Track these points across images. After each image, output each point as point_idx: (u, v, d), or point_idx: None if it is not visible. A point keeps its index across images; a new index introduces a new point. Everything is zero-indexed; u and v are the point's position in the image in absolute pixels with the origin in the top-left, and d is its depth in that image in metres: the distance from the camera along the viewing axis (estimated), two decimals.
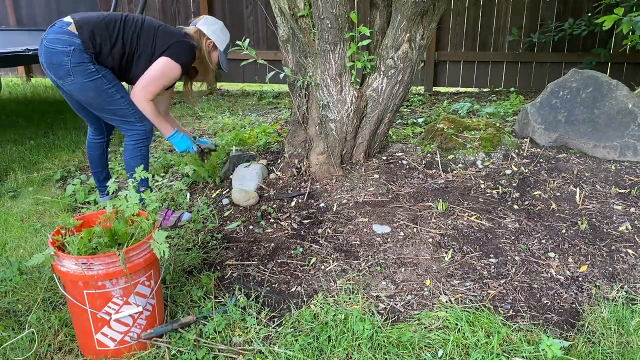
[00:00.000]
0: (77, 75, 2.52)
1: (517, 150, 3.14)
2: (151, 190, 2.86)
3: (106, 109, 2.65)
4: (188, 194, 3.17)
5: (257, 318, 1.99)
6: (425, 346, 1.81)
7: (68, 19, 2.57)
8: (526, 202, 2.66)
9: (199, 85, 3.03)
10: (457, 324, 1.88)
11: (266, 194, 2.97)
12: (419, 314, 1.98)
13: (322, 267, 2.30)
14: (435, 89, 6.33)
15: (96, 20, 2.56)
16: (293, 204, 2.84)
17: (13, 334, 1.98)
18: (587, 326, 1.88)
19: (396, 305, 2.04)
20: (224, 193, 3.09)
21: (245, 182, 3.02)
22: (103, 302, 1.77)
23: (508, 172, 2.92)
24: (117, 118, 2.68)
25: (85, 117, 2.87)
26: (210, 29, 2.75)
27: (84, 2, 5.83)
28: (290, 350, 1.81)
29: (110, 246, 1.83)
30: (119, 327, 1.82)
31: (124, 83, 2.74)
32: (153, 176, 3.46)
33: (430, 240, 2.42)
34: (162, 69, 2.60)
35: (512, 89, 5.92)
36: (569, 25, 5.17)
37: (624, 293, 2.03)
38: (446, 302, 2.03)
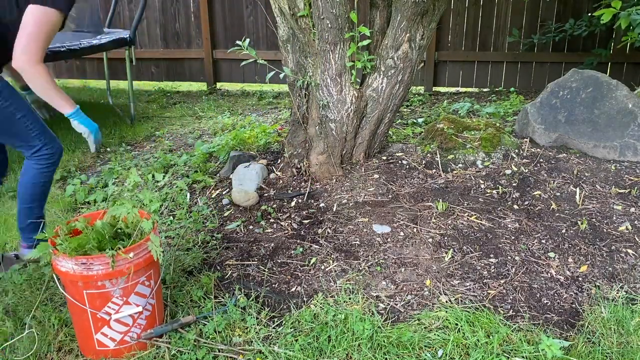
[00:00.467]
0: None
1: (517, 150, 3.14)
2: (42, 230, 2.42)
3: (7, 132, 2.22)
4: (188, 194, 3.17)
5: (257, 318, 1.99)
6: (425, 346, 1.81)
7: None
8: (526, 202, 2.66)
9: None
10: (457, 324, 1.88)
11: (266, 194, 2.97)
12: (419, 314, 1.98)
13: (322, 267, 2.30)
14: (435, 89, 6.32)
15: None
16: (293, 204, 2.84)
17: (13, 334, 1.98)
18: (587, 326, 1.88)
19: (396, 305, 2.04)
20: (224, 193, 3.09)
21: (245, 182, 3.02)
22: (103, 302, 1.77)
23: (508, 172, 2.92)
24: (20, 142, 2.25)
25: None
26: None
27: (84, 1, 5.82)
28: (290, 350, 1.81)
29: (102, 249, 1.81)
30: (118, 327, 1.82)
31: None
32: (153, 176, 3.46)
33: (430, 240, 2.42)
34: (36, 20, 2.02)
35: (512, 89, 5.92)
36: (570, 26, 5.16)
37: (624, 293, 2.03)
38: (446, 302, 2.03)
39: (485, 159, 3.05)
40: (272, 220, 2.73)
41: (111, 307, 1.78)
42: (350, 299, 2.07)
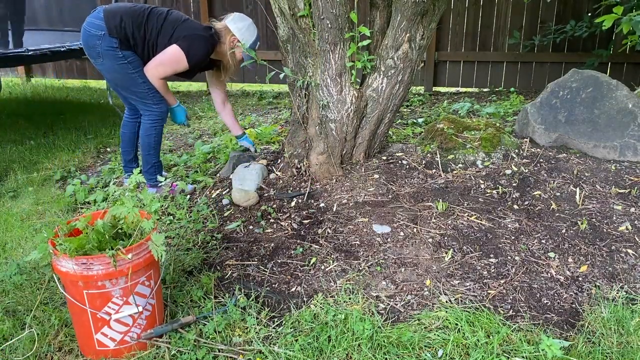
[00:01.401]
0: (106, 58, 2.87)
1: (517, 150, 3.14)
2: (161, 172, 3.26)
3: (129, 89, 2.99)
4: (188, 194, 3.17)
5: (257, 318, 1.99)
6: (425, 346, 1.81)
7: (107, 6, 2.94)
8: (526, 202, 2.66)
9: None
10: (457, 324, 1.88)
11: (266, 194, 2.97)
12: (419, 314, 1.98)
13: (322, 267, 2.30)
14: (435, 89, 6.32)
15: (124, 9, 2.88)
16: (293, 204, 2.84)
17: (13, 334, 1.98)
18: (587, 326, 1.88)
19: (396, 305, 2.04)
20: (224, 193, 3.09)
21: (245, 182, 3.02)
22: (103, 302, 1.77)
23: (508, 172, 2.92)
24: (138, 99, 3.02)
25: (120, 96, 3.19)
26: (236, 25, 2.95)
27: (84, 1, 5.83)
28: (290, 350, 1.81)
29: (102, 249, 1.81)
30: (118, 327, 1.82)
31: None
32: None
33: (430, 240, 2.42)
34: (169, 55, 2.89)
35: (512, 89, 5.92)
36: (571, 27, 5.16)
37: (624, 293, 2.03)
38: (446, 302, 2.03)
39: (485, 159, 3.05)
40: (272, 220, 2.73)
41: (111, 307, 1.78)
42: (350, 299, 2.07)
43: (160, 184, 3.11)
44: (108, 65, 2.91)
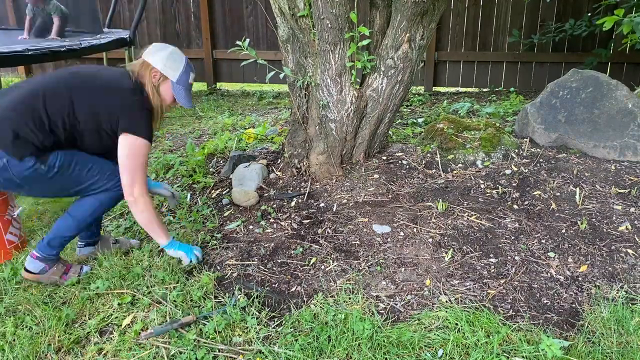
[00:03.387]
0: (30, 183, 2.07)
1: (517, 150, 3.14)
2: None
3: (79, 190, 2.19)
4: (189, 195, 3.17)
5: (257, 318, 1.99)
6: (425, 346, 1.81)
7: None
8: (526, 202, 2.66)
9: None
10: (457, 324, 1.88)
11: (266, 194, 2.97)
12: (419, 313, 1.98)
13: (322, 267, 2.30)
14: (435, 89, 6.33)
15: (11, 114, 2.01)
16: (293, 204, 2.84)
17: (13, 334, 1.98)
18: (587, 326, 1.88)
19: (396, 305, 2.04)
20: (224, 193, 3.09)
21: (245, 182, 3.02)
22: None
23: (508, 172, 2.92)
24: (95, 191, 2.20)
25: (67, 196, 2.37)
26: (155, 57, 2.20)
27: (84, 1, 5.83)
28: (290, 350, 1.81)
29: None
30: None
31: None
32: (156, 176, 3.46)
33: (430, 240, 2.42)
34: (131, 154, 2.10)
35: (512, 89, 5.92)
36: (570, 26, 5.16)
37: (624, 293, 2.03)
38: (446, 302, 2.03)
39: (485, 159, 3.05)
40: (272, 220, 2.73)
41: None
42: (350, 298, 2.07)
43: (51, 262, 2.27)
44: (39, 189, 2.13)
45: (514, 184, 2.81)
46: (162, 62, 2.20)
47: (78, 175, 2.13)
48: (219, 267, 2.37)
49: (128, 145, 2.10)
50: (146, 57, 2.22)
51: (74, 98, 2.06)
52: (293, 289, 2.19)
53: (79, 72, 2.18)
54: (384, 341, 1.82)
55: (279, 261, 2.37)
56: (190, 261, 2.34)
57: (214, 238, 2.61)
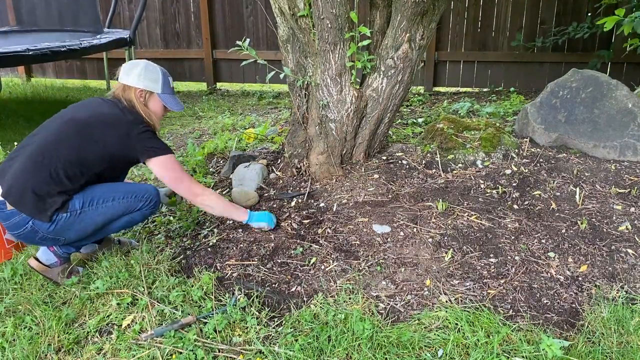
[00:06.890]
0: (63, 232, 2.16)
1: (517, 150, 3.14)
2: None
3: (114, 220, 2.27)
4: None
5: (257, 318, 2.00)
6: (425, 346, 1.81)
7: None
8: (526, 202, 2.66)
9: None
10: (457, 324, 1.88)
11: (266, 194, 2.97)
12: (419, 313, 1.98)
13: (322, 267, 2.30)
14: (435, 89, 6.33)
15: (28, 176, 2.09)
16: (293, 204, 2.84)
17: (13, 334, 1.98)
18: (587, 326, 1.88)
19: (396, 305, 2.04)
20: (224, 193, 3.09)
21: (245, 182, 3.02)
22: None
23: (508, 172, 2.92)
24: (130, 214, 2.30)
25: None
26: (130, 77, 2.25)
27: (84, 2, 5.83)
28: (290, 350, 1.81)
29: None
30: None
31: None
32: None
33: (430, 240, 2.42)
34: (168, 171, 2.28)
35: (512, 89, 5.92)
36: (572, 29, 5.16)
37: (624, 293, 2.03)
38: (446, 302, 2.03)
39: (485, 159, 3.05)
40: None
41: None
42: (350, 298, 2.07)
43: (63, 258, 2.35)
44: (72, 234, 2.21)
45: (514, 184, 2.81)
46: (139, 79, 2.26)
47: (104, 208, 2.21)
48: (219, 267, 2.37)
49: (160, 166, 2.27)
50: (123, 80, 2.28)
51: (80, 145, 2.16)
52: (293, 289, 2.19)
53: (73, 119, 2.24)
54: (384, 341, 1.82)
55: (279, 261, 2.37)
56: (273, 226, 2.56)
57: (214, 238, 2.61)
